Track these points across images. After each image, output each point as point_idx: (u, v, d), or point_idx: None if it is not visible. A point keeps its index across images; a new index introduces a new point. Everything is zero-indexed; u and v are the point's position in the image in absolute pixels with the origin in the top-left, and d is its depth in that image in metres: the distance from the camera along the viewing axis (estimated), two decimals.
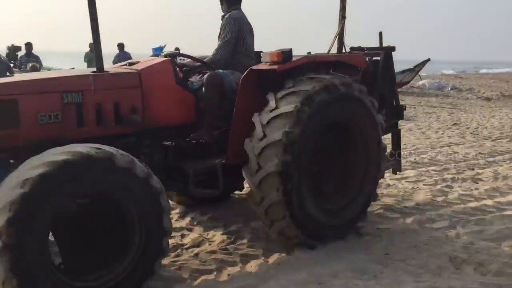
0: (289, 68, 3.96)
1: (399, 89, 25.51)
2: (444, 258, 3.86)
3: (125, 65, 4.18)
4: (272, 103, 3.82)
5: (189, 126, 4.11)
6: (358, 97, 4.11)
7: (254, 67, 4.08)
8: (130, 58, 15.47)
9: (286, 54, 3.91)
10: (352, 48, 5.28)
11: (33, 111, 3.35)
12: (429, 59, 22.40)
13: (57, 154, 2.81)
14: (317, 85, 3.86)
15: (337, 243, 4.13)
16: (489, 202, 5.43)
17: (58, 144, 3.03)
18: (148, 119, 3.81)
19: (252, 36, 4.59)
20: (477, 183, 6.27)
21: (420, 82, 25.61)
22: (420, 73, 23.68)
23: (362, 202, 4.33)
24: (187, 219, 4.90)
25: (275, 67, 3.89)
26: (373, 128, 4.28)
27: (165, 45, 14.45)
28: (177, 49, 17.19)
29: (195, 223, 4.80)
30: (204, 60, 4.40)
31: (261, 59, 4.12)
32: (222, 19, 4.50)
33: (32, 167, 2.74)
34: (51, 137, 3.33)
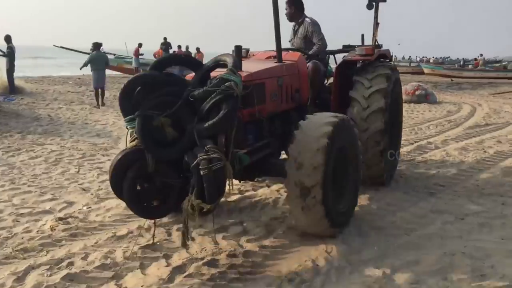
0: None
1: None
2: None
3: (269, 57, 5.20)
4: (367, 83, 5.32)
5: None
6: (399, 77, 5.90)
7: (347, 58, 5.66)
8: None
9: (374, 49, 5.54)
10: (344, 46, 6.40)
11: (270, 91, 4.37)
12: None
13: (331, 117, 3.99)
14: (392, 68, 5.65)
15: None
16: (404, 214, 4.74)
17: (275, 117, 4.62)
18: (300, 97, 5.03)
19: None
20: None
21: None
22: None
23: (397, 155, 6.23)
24: None
25: (369, 57, 5.51)
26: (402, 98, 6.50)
27: None
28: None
29: None
30: (310, 53, 5.61)
31: (356, 52, 5.57)
32: (297, 23, 5.83)
33: (326, 120, 3.92)
34: (272, 111, 4.49)
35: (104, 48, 18.04)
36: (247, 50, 5.57)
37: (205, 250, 3.93)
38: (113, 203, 5.13)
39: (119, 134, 9.23)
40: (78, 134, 9.16)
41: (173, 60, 3.88)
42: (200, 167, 3.17)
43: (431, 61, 49.92)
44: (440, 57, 59.38)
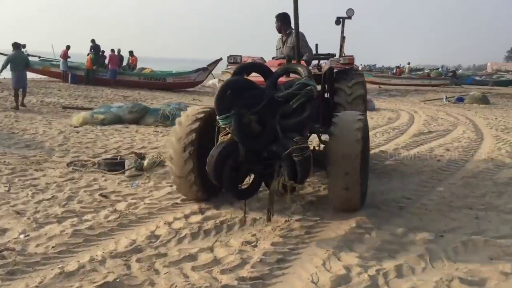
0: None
1: (191, 89, 24.65)
2: None
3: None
4: (349, 78, 6.31)
5: None
6: None
7: (333, 65, 6.14)
8: None
9: (353, 59, 6.22)
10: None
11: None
12: (221, 58, 22.00)
13: (359, 114, 4.91)
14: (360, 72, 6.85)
15: None
16: (381, 233, 4.43)
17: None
18: None
19: None
20: None
21: (211, 81, 25.15)
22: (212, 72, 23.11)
23: None
24: None
25: (351, 65, 6.27)
26: None
27: None
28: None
29: None
30: (303, 59, 5.98)
31: (341, 61, 6.11)
32: (285, 34, 6.53)
33: (357, 115, 4.88)
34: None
35: (29, 50, 16.79)
36: (241, 57, 6.22)
37: (175, 286, 3.39)
38: (56, 229, 4.44)
39: (51, 145, 8.36)
40: (4, 146, 8.17)
41: (251, 67, 4.75)
42: (293, 154, 3.96)
43: (360, 68, 51.48)
44: (367, 65, 61.45)
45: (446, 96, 22.77)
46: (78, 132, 9.84)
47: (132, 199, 5.50)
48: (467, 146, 9.46)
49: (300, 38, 6.25)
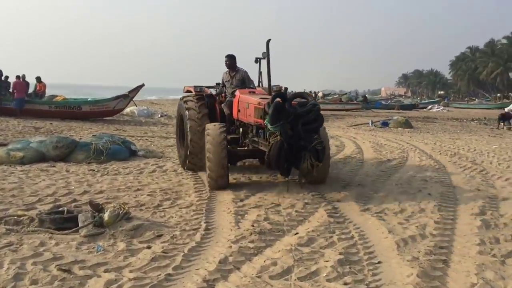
0: None
1: (111, 118, 22.39)
2: None
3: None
4: None
5: None
6: None
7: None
8: None
9: (282, 87, 8.08)
10: (216, 83, 9.74)
11: None
12: (143, 84, 20.44)
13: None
14: None
15: None
16: None
17: None
18: None
19: None
20: None
21: (129, 109, 23.29)
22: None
23: None
24: None
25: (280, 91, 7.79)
26: None
27: None
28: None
29: None
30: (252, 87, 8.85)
31: (274, 88, 8.05)
32: (234, 70, 8.85)
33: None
34: None
35: None
36: (203, 87, 9.09)
37: None
38: None
39: None
40: None
41: (278, 96, 6.44)
42: (316, 146, 6.20)
43: None
44: None
45: (372, 121, 23.06)
46: None
47: (105, 271, 4.10)
48: (439, 176, 8.93)
49: (247, 75, 8.83)
